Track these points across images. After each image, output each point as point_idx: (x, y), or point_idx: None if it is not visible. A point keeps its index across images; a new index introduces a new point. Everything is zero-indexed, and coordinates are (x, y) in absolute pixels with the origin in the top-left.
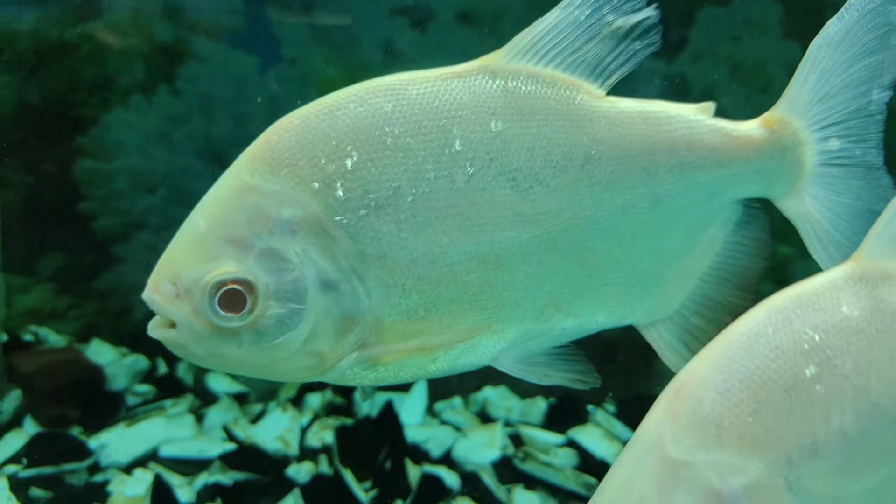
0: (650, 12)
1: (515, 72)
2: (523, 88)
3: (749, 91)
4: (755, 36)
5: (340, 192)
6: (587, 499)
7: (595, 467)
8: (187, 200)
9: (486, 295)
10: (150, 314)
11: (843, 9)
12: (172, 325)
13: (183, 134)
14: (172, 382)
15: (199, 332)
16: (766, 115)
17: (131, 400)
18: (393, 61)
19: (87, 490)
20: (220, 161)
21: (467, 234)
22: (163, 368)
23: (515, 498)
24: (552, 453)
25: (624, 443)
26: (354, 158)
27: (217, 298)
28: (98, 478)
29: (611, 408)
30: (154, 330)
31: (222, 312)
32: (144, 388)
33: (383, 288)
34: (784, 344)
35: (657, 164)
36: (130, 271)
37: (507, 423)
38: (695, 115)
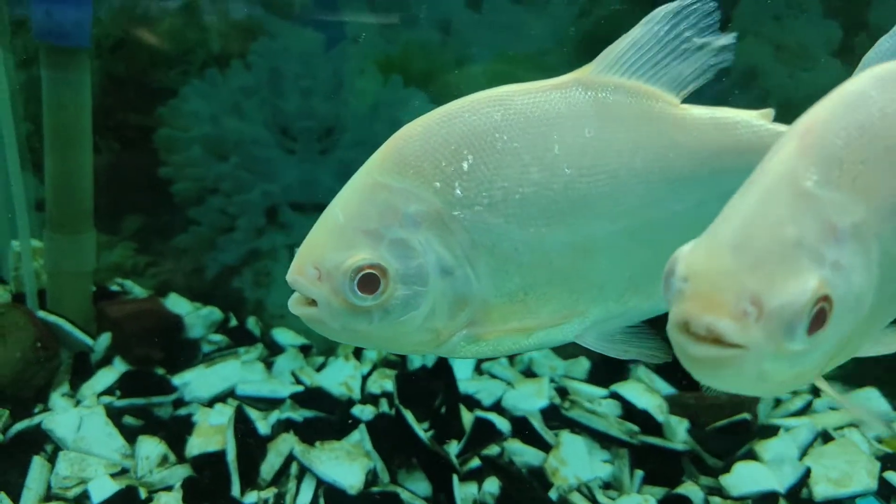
0: (728, 39)
1: (604, 84)
2: (611, 98)
3: (792, 70)
4: (796, 15)
5: (458, 191)
6: (630, 445)
7: (637, 416)
8: (256, 168)
9: (576, 279)
10: (223, 273)
11: (894, 27)
12: (311, 303)
13: (253, 106)
14: (243, 333)
15: (336, 309)
16: None
17: (206, 348)
18: (449, 40)
19: (173, 421)
20: (286, 132)
21: (563, 226)
22: (233, 321)
23: (562, 441)
24: (596, 403)
25: (664, 397)
26: (470, 161)
27: (356, 281)
28: (182, 411)
29: (651, 366)
30: (295, 307)
31: (360, 293)
32: (218, 337)
33: (490, 273)
34: (886, 106)
35: (725, 165)
36: (204, 233)
37: (552, 379)
38: (757, 121)
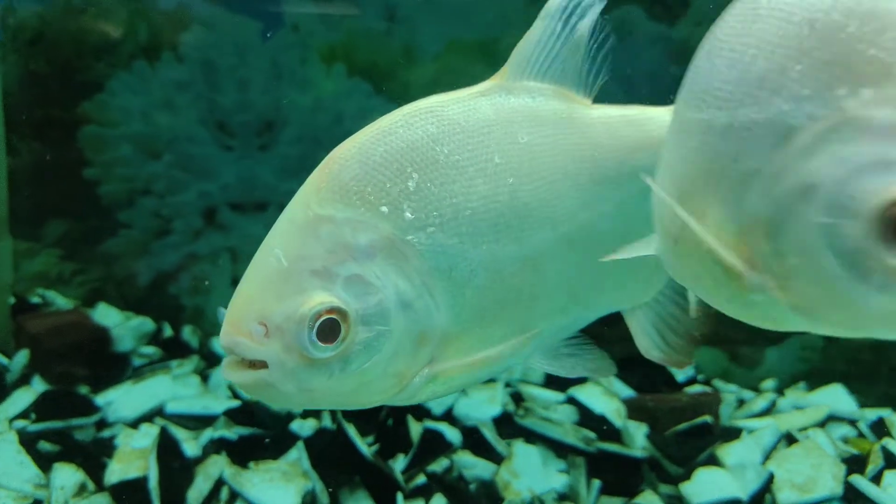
0: (594, 13)
1: (522, 88)
2: (532, 103)
3: None
4: None
5: (408, 213)
6: (587, 453)
7: (595, 422)
8: (191, 166)
9: (527, 296)
10: (157, 280)
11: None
12: (253, 365)
13: (186, 100)
14: (178, 344)
15: (291, 368)
16: None
17: (137, 361)
18: (395, 27)
19: (94, 444)
20: (223, 127)
21: (511, 239)
22: (168, 331)
23: (515, 451)
24: (552, 409)
25: (623, 400)
26: (415, 179)
27: (315, 330)
28: (105, 433)
29: None
30: (234, 375)
31: (320, 344)
32: (150, 349)
33: (449, 299)
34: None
35: (642, 162)
36: (136, 237)
37: (508, 384)
38: (667, 116)
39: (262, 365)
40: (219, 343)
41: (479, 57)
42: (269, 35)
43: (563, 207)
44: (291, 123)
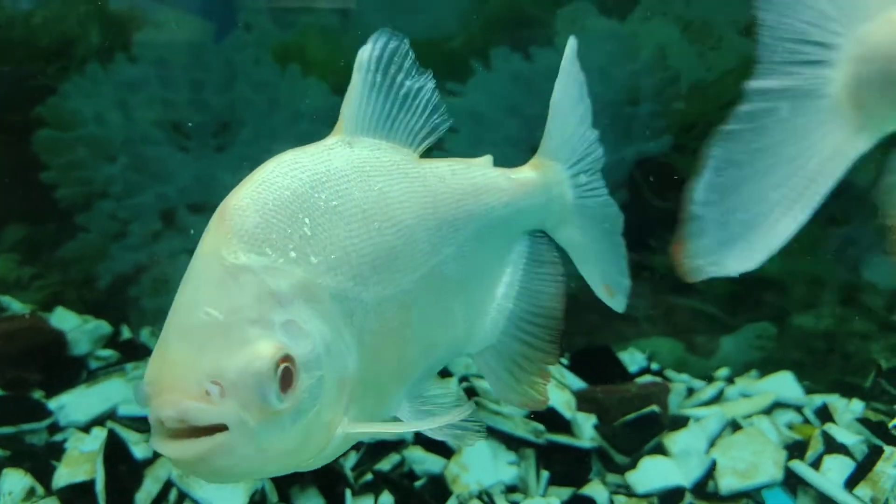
0: (426, 81)
1: (360, 143)
2: (373, 155)
3: (701, 49)
4: None
5: (312, 258)
6: (536, 445)
7: (544, 414)
8: (148, 168)
9: (406, 337)
10: (117, 282)
11: (557, 81)
12: (198, 433)
13: (140, 101)
14: (136, 347)
15: (251, 427)
16: (532, 160)
17: (93, 364)
18: (349, 24)
19: (46, 448)
20: (178, 129)
21: (388, 282)
22: (126, 334)
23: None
24: (503, 403)
25: (574, 392)
26: (308, 224)
27: (278, 380)
28: (57, 437)
29: (564, 360)
30: (179, 448)
31: (282, 394)
32: (107, 352)
33: (354, 342)
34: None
35: (470, 206)
36: (93, 240)
37: (463, 378)
38: (486, 166)
39: (210, 432)
40: (151, 416)
41: (433, 53)
42: (222, 35)
43: (419, 251)
44: (247, 123)
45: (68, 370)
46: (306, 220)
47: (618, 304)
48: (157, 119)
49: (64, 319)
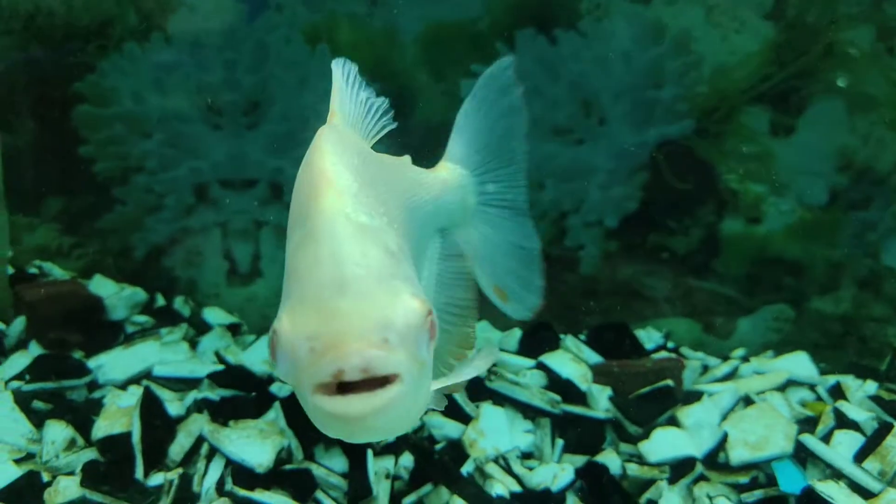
0: (374, 92)
1: (349, 130)
2: (361, 140)
3: (725, 32)
4: None
5: (387, 219)
6: (552, 414)
7: (560, 386)
8: (182, 144)
9: None
10: (151, 253)
11: (472, 91)
12: (361, 389)
13: (176, 80)
14: (170, 313)
15: (415, 376)
16: (440, 163)
17: (129, 328)
18: (376, 10)
19: (85, 403)
20: (211, 107)
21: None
22: (160, 301)
23: (483, 412)
24: (521, 374)
25: (590, 366)
26: (374, 189)
27: (427, 332)
28: (96, 394)
29: (582, 336)
30: (359, 403)
31: (430, 343)
32: (142, 318)
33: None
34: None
35: (417, 198)
36: (131, 212)
37: None
38: (409, 164)
39: (374, 386)
40: (321, 371)
41: (460, 35)
42: (254, 17)
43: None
44: (277, 102)
45: (106, 333)
46: (373, 186)
47: (513, 310)
48: (191, 97)
49: (102, 286)
